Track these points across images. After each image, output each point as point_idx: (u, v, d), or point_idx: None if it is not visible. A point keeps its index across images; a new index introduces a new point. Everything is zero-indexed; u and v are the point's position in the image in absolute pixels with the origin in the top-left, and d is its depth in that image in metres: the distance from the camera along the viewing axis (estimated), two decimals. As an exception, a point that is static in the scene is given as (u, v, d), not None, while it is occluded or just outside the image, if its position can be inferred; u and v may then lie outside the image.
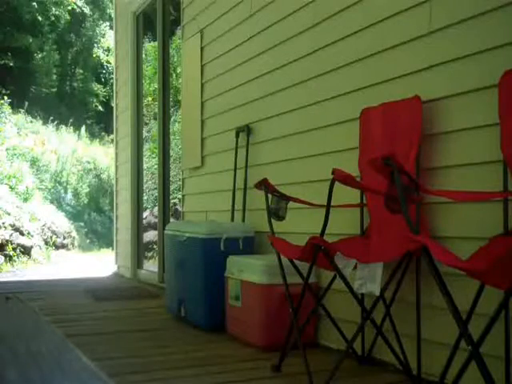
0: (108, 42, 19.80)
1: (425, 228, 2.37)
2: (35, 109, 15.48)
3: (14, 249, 8.43)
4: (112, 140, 10.03)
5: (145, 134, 8.06)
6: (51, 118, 15.21)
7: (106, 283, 6.13)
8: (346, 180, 2.27)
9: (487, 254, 1.92)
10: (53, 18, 18.97)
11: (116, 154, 7.26)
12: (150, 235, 7.88)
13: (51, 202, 11.69)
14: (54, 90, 18.66)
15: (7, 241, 8.42)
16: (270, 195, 2.62)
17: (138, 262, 6.35)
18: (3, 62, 16.95)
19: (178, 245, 3.70)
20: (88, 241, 11.99)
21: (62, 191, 12.77)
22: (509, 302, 1.87)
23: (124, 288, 5.59)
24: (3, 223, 8.69)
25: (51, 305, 4.49)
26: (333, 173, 2.19)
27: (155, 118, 6.10)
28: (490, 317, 1.76)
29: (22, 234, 8.88)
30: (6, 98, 13.58)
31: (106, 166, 14.46)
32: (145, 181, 7.34)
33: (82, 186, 13.57)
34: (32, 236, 9.15)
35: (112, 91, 8.35)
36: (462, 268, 1.79)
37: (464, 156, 2.28)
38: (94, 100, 19.60)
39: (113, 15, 7.79)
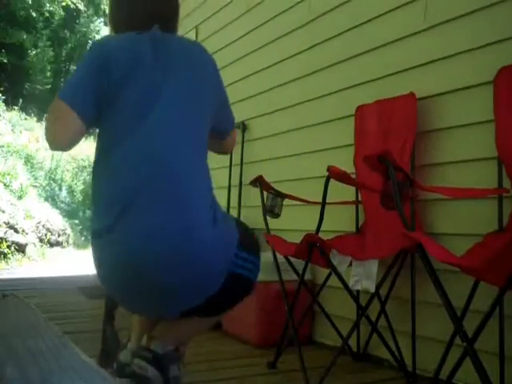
0: (102, 39, 19.71)
1: (420, 225, 2.38)
2: (29, 106, 15.43)
3: (8, 246, 8.40)
4: (107, 137, 9.99)
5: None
6: (45, 114, 15.12)
7: (101, 280, 6.11)
8: (341, 177, 2.27)
9: (482, 251, 1.93)
10: (47, 14, 18.90)
11: (111, 151, 7.23)
12: (145, 232, 7.86)
13: (46, 200, 11.66)
14: (49, 86, 18.60)
15: (2, 238, 8.39)
16: (265, 192, 2.62)
17: (133, 259, 6.33)
18: (-3, 58, 16.90)
19: (174, 242, 3.68)
20: (83, 238, 11.96)
21: (57, 188, 12.73)
22: (503, 299, 1.88)
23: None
24: (-2, 221, 8.66)
25: (47, 302, 4.47)
26: (328, 170, 2.19)
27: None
28: (485, 313, 1.77)
29: (16, 231, 8.85)
30: (0, 95, 13.54)
31: (100, 163, 14.40)
32: (140, 178, 7.31)
33: (76, 184, 13.53)
34: (27, 233, 9.12)
35: (107, 88, 8.32)
36: (458, 264, 1.80)
37: (459, 153, 2.29)
38: (89, 97, 19.50)
39: (107, 11, 7.76)
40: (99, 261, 1.70)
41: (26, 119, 14.65)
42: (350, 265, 2.45)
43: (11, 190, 10.07)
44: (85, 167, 14.22)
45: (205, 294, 1.68)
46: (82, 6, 20.09)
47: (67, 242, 10.82)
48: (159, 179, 1.60)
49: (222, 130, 1.95)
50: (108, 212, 1.62)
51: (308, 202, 2.70)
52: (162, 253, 1.58)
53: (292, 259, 2.60)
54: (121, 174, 1.63)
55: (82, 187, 13.61)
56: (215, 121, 1.84)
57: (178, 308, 1.70)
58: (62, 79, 19.69)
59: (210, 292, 1.68)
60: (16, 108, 14.48)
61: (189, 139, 1.69)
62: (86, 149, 14.96)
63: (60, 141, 1.68)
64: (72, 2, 19.49)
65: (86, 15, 20.45)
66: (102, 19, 20.26)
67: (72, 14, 19.86)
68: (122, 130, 1.67)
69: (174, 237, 1.58)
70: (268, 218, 2.61)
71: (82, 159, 14.37)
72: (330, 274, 2.59)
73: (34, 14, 18.27)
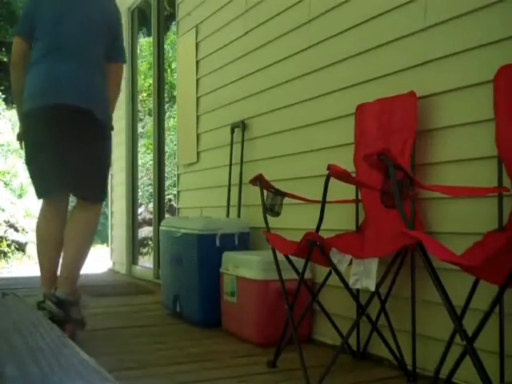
0: (102, 38, 19.66)
1: (420, 223, 2.38)
2: (29, 105, 15.37)
3: (8, 245, 8.41)
4: (107, 136, 9.97)
5: (140, 129, 8.04)
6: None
7: (101, 279, 6.13)
8: (342, 176, 2.27)
9: (482, 250, 1.93)
10: (47, 14, 18.85)
11: (111, 149, 7.22)
12: (145, 231, 7.89)
13: (46, 199, 11.63)
14: (48, 85, 18.55)
15: (2, 237, 8.40)
16: (265, 191, 2.62)
17: (133, 258, 6.34)
18: (-3, 57, 16.86)
19: (174, 241, 3.69)
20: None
21: (57, 187, 12.69)
22: (503, 297, 1.88)
23: (119, 284, 5.59)
24: (-2, 219, 8.67)
25: (46, 301, 4.47)
26: (328, 168, 2.19)
27: (150, 114, 6.09)
28: (485, 312, 1.77)
29: (16, 230, 8.87)
30: (0, 93, 13.52)
31: (100, 162, 14.35)
32: (140, 177, 7.32)
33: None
34: (27, 232, 9.13)
35: (107, 87, 8.31)
36: (458, 263, 1.80)
37: (459, 151, 2.29)
38: (89, 96, 19.47)
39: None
40: (29, 81, 3.02)
41: (25, 118, 14.60)
42: (350, 263, 2.45)
43: (11, 189, 10.08)
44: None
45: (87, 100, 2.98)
46: (81, 5, 20.06)
47: (67, 241, 10.80)
48: (73, 46, 3.01)
49: (112, 57, 3.15)
50: (41, 52, 3.00)
51: (308, 200, 2.70)
52: (70, 73, 2.98)
53: (292, 258, 2.60)
54: (51, 45, 2.99)
55: (81, 186, 13.55)
56: (108, 48, 3.11)
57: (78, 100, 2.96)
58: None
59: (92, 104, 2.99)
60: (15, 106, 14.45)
61: (90, 41, 3.05)
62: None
63: (14, 52, 3.15)
64: (72, 1, 19.45)
65: (85, 14, 20.42)
66: (101, 18, 20.21)
67: (72, 13, 19.82)
68: (47, 30, 3.01)
69: (81, 73, 3.01)
70: (268, 216, 2.61)
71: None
72: (330, 273, 2.59)
73: (33, 13, 18.25)
